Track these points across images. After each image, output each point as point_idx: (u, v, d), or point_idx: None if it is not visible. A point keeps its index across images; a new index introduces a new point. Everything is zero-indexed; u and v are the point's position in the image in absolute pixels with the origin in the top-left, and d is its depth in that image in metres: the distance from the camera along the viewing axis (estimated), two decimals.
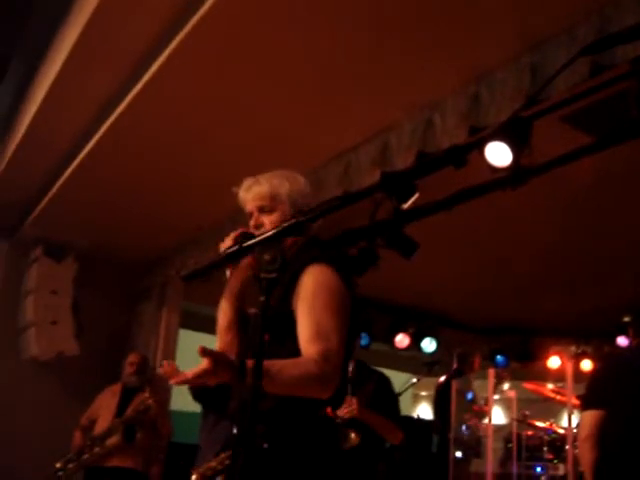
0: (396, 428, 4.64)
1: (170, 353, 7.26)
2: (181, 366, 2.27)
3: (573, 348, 8.70)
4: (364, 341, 8.19)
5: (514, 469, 7.22)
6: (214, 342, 2.70)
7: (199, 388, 2.54)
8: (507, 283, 7.45)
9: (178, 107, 4.76)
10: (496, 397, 8.24)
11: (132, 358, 6.19)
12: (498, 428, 7.99)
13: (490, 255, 6.78)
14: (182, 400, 5.48)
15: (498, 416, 8.94)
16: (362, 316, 2.59)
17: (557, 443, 7.05)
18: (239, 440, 2.53)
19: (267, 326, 2.53)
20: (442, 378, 9.09)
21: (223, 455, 2.64)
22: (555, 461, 6.98)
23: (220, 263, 2.15)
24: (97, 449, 5.74)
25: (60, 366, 7.03)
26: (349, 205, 1.61)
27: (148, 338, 7.29)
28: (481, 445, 7.98)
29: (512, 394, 7.83)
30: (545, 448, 7.08)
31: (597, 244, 6.26)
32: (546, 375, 8.27)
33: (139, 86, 4.51)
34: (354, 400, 4.40)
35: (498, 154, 2.88)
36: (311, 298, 2.41)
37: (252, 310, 2.73)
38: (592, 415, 3.57)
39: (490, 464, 7.34)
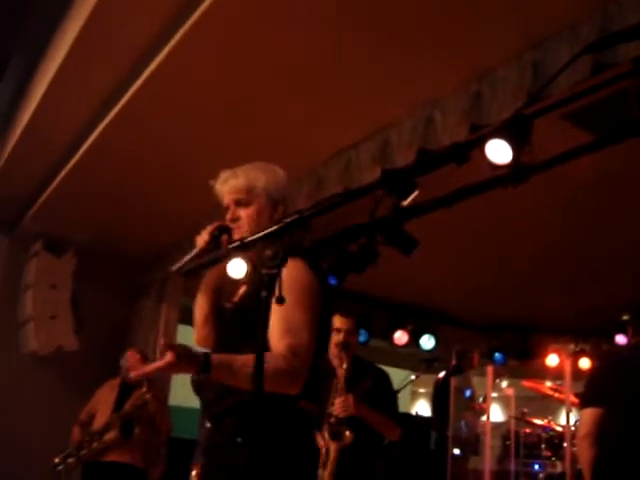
0: (394, 424, 4.63)
1: None
2: None
3: (572, 346, 8.70)
4: (363, 337, 8.19)
5: (512, 466, 7.23)
6: None
7: (202, 382, 2.55)
8: (506, 281, 7.45)
9: (178, 103, 4.76)
10: (494, 395, 8.25)
11: (131, 353, 6.19)
12: (496, 425, 8.00)
13: (489, 253, 6.78)
14: (181, 395, 5.49)
15: (496, 414, 8.95)
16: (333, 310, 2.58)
17: (555, 441, 7.05)
18: (214, 433, 2.54)
19: (243, 320, 2.53)
20: (441, 375, 9.10)
21: None
22: (553, 459, 6.99)
23: (222, 258, 2.15)
24: (95, 444, 5.75)
25: (59, 361, 7.03)
26: (349, 202, 1.61)
27: (147, 333, 7.29)
28: (479, 442, 7.99)
29: (510, 392, 7.83)
30: (543, 446, 7.09)
31: (596, 242, 6.26)
32: (544, 373, 8.28)
33: (139, 83, 4.51)
34: (350, 398, 4.39)
35: (498, 152, 2.88)
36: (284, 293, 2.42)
37: (228, 304, 2.74)
38: (591, 413, 3.58)
39: (488, 461, 7.35)
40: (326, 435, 4.35)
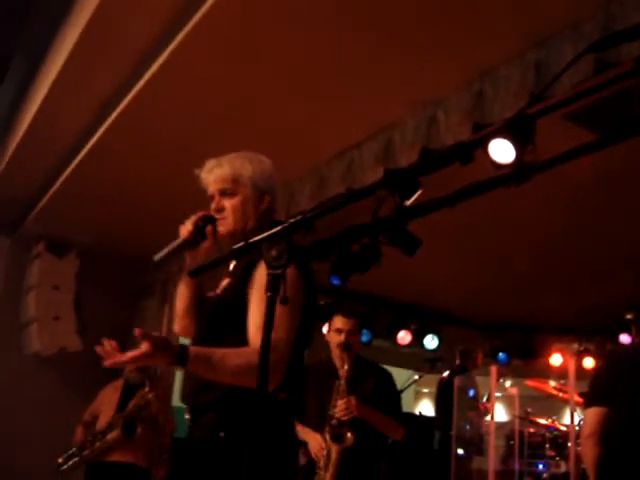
0: (397, 424, 4.62)
1: None
2: None
3: (575, 345, 8.70)
4: (366, 337, 8.19)
5: (516, 466, 7.22)
6: None
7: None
8: (510, 280, 7.45)
9: (179, 105, 4.76)
10: (498, 394, 8.24)
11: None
12: (500, 425, 7.98)
13: (493, 252, 6.78)
14: None
15: (500, 413, 8.94)
16: (319, 306, 2.57)
17: (559, 440, 7.04)
18: (194, 428, 2.53)
19: (225, 313, 2.51)
20: (445, 374, 9.09)
21: None
22: (557, 458, 6.98)
23: (226, 258, 2.13)
24: (98, 444, 5.75)
25: (62, 362, 7.04)
26: (353, 202, 1.61)
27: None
28: (483, 442, 7.98)
29: (514, 391, 7.82)
30: (547, 445, 7.08)
31: (599, 241, 6.26)
32: (548, 372, 8.27)
33: (141, 84, 4.51)
34: (352, 400, 4.39)
35: (502, 151, 2.88)
36: (262, 290, 2.39)
37: (211, 294, 2.71)
38: (595, 412, 3.57)
39: (492, 461, 7.33)
40: (327, 437, 4.35)
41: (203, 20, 3.81)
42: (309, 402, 4.64)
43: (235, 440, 2.36)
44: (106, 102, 4.93)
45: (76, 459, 5.86)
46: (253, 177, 2.65)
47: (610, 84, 1.43)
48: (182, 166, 5.43)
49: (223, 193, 2.65)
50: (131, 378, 6.08)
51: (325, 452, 4.32)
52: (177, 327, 2.78)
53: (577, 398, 6.58)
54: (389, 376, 4.77)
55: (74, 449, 5.91)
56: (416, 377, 7.39)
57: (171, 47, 4.10)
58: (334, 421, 4.36)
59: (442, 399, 9.24)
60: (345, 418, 4.33)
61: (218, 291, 2.64)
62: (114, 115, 4.94)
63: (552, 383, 7.59)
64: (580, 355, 8.38)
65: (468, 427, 8.46)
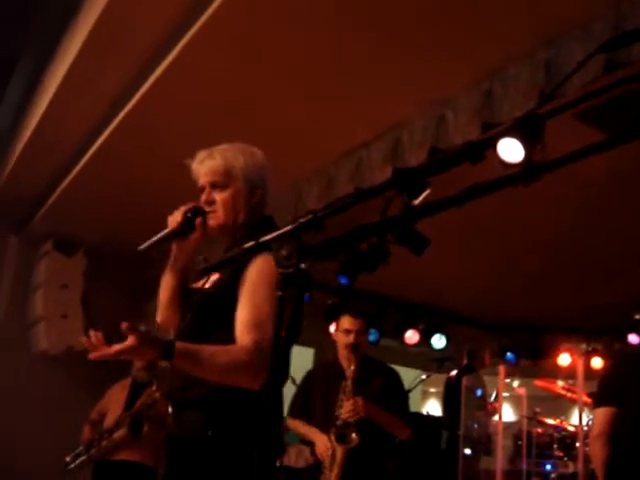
0: (404, 424, 4.62)
1: None
2: None
3: (584, 345, 8.68)
4: (373, 337, 8.18)
5: (524, 466, 7.21)
6: None
7: (165, 368, 2.52)
8: (518, 280, 7.43)
9: (186, 105, 4.77)
10: (506, 394, 8.23)
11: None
12: (508, 425, 7.97)
13: (500, 252, 6.77)
14: None
15: (508, 413, 8.92)
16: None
17: (567, 441, 7.03)
18: (179, 426, 2.51)
19: (214, 308, 2.48)
20: (452, 373, 9.08)
21: None
22: (565, 459, 6.97)
23: (238, 257, 2.11)
24: (105, 443, 5.76)
25: (70, 360, 7.04)
26: (361, 202, 1.61)
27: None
28: (491, 442, 7.97)
29: (522, 391, 7.81)
30: (555, 446, 7.07)
31: (608, 241, 6.24)
32: (556, 372, 8.25)
33: (148, 84, 4.53)
34: (359, 400, 4.38)
35: (511, 150, 2.87)
36: (252, 287, 2.39)
37: (196, 286, 2.68)
38: (604, 412, 3.57)
39: (500, 461, 7.32)
40: (332, 438, 4.35)
41: (210, 21, 3.81)
42: (316, 402, 4.64)
43: (223, 438, 2.36)
44: (113, 102, 4.94)
45: (83, 458, 5.86)
46: (245, 170, 2.62)
47: (621, 84, 1.42)
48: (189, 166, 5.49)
49: (214, 186, 2.62)
50: (138, 377, 6.08)
51: (330, 452, 4.32)
52: (159, 317, 2.74)
53: (585, 398, 6.57)
54: (397, 375, 4.77)
55: (81, 448, 5.91)
56: (423, 377, 7.37)
57: (178, 48, 4.11)
58: (339, 422, 4.36)
59: (449, 399, 9.23)
60: (353, 419, 4.33)
61: (207, 285, 2.58)
62: (121, 115, 4.95)
63: (560, 383, 7.57)
64: (588, 355, 8.36)
65: (476, 427, 8.45)
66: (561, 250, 6.51)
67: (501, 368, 7.81)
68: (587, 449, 6.08)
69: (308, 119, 4.76)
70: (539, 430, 7.37)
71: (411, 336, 8.94)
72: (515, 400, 8.87)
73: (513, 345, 9.05)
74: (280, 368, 2.36)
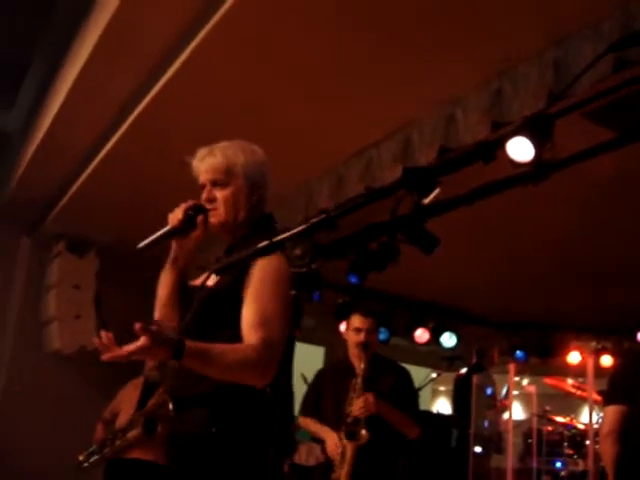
0: (413, 423, 4.63)
1: None
2: None
3: (593, 344, 8.66)
4: (383, 336, 8.19)
5: (534, 464, 7.21)
6: None
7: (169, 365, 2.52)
8: (527, 279, 7.43)
9: (196, 107, 4.78)
10: (515, 392, 8.23)
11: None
12: (518, 423, 7.98)
13: (510, 251, 6.77)
14: None
15: (518, 411, 8.92)
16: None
17: (577, 439, 7.03)
18: (182, 423, 2.50)
19: (220, 307, 2.47)
20: (462, 371, 9.09)
21: None
22: (575, 457, 6.97)
23: (251, 257, 2.12)
24: (118, 442, 5.78)
25: (82, 360, 7.07)
26: (373, 203, 1.62)
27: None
28: (501, 440, 7.97)
29: (532, 389, 7.81)
30: (565, 444, 7.07)
31: (617, 240, 6.23)
32: (566, 370, 8.25)
33: (158, 87, 4.54)
34: (370, 396, 4.40)
35: (520, 149, 2.88)
36: (258, 285, 2.39)
37: (196, 284, 2.68)
38: (614, 411, 3.57)
39: (510, 459, 7.33)
40: (342, 435, 4.37)
41: (220, 23, 3.82)
42: (327, 401, 4.66)
43: (227, 435, 2.37)
44: (124, 105, 4.96)
45: (97, 457, 5.88)
46: (246, 167, 2.62)
47: (630, 84, 1.44)
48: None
49: (215, 183, 2.62)
50: (151, 376, 6.09)
51: (340, 450, 4.34)
52: (158, 314, 2.74)
53: (595, 396, 6.58)
54: (407, 374, 4.78)
55: (94, 447, 5.93)
56: (434, 375, 7.39)
57: (187, 51, 4.12)
58: (349, 419, 4.38)
59: (459, 397, 9.24)
60: (363, 415, 4.35)
61: (209, 282, 2.57)
62: (132, 117, 4.97)
63: (570, 381, 7.57)
64: (598, 353, 8.34)
65: (486, 425, 8.45)
66: (571, 249, 6.51)
67: (511, 366, 7.83)
68: (597, 447, 6.08)
69: (318, 119, 4.77)
70: (549, 428, 7.37)
71: (421, 335, 8.94)
72: (525, 398, 8.87)
73: (523, 343, 9.04)
74: (284, 365, 2.39)
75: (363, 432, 4.32)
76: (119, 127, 5.20)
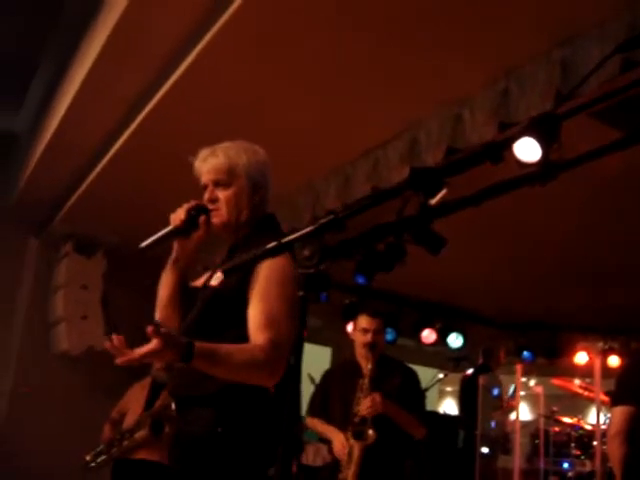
0: (419, 423, 4.62)
1: None
2: None
3: (600, 344, 8.64)
4: (390, 336, 8.19)
5: (541, 465, 7.19)
6: None
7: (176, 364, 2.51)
8: (533, 279, 7.42)
9: (205, 107, 4.79)
10: (523, 393, 8.21)
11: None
12: (525, 424, 7.96)
13: (517, 251, 6.76)
14: None
15: (525, 412, 8.90)
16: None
17: (585, 439, 7.00)
18: (186, 423, 2.49)
19: (225, 307, 2.47)
20: (468, 372, 9.07)
21: None
22: (582, 457, 6.94)
23: (259, 257, 2.12)
24: (126, 442, 5.79)
25: (90, 360, 7.10)
26: (380, 203, 1.63)
27: None
28: (508, 441, 7.96)
29: (539, 390, 7.79)
30: (572, 444, 7.04)
31: (625, 240, 6.22)
32: (573, 371, 8.23)
33: (166, 87, 4.56)
34: (377, 396, 4.40)
35: (528, 150, 2.88)
36: (264, 286, 2.39)
37: (197, 284, 2.68)
38: (622, 411, 3.56)
39: (517, 460, 7.31)
40: (349, 435, 4.37)
41: (229, 22, 3.83)
42: (334, 401, 4.66)
43: (233, 435, 2.37)
44: (132, 105, 4.97)
45: (104, 457, 5.89)
46: (248, 168, 2.62)
47: (638, 84, 1.44)
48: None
49: (217, 184, 2.62)
50: (159, 377, 6.10)
51: (347, 450, 4.34)
52: (159, 315, 2.73)
53: (603, 396, 6.55)
54: (414, 375, 4.78)
55: (102, 447, 5.95)
56: (441, 376, 7.37)
57: (195, 51, 4.14)
58: (357, 418, 4.39)
59: (465, 397, 9.23)
60: (370, 414, 4.35)
61: (212, 283, 2.57)
62: (139, 118, 4.99)
63: (577, 382, 7.55)
64: (605, 353, 8.32)
65: (493, 425, 8.44)
66: (577, 250, 6.50)
67: (518, 367, 7.80)
68: (605, 448, 6.06)
69: (325, 119, 4.78)
70: (556, 429, 7.35)
71: (428, 335, 8.94)
72: (532, 399, 8.85)
73: (529, 344, 9.04)
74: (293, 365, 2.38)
75: (370, 432, 4.32)
76: (127, 128, 5.21)
